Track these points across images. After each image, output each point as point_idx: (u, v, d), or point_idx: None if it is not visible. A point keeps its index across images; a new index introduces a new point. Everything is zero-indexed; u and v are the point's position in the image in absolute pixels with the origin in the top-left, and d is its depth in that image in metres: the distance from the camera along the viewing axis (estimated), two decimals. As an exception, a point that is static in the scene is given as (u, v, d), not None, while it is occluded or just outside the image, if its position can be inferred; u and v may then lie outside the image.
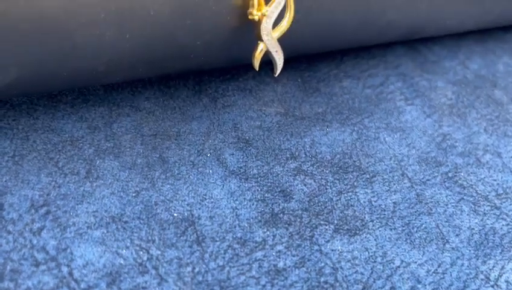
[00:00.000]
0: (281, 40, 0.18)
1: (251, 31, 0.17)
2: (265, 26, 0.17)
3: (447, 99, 0.25)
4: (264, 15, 0.17)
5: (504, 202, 0.20)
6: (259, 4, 0.17)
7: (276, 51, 0.18)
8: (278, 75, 0.23)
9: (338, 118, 0.22)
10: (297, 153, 0.20)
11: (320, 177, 0.19)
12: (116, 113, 0.19)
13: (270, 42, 0.17)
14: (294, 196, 0.18)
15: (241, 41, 0.18)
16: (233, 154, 0.19)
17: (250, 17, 0.17)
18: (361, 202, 0.18)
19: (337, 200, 0.18)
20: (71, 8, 0.14)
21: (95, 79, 0.17)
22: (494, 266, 0.17)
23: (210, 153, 0.19)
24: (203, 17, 0.16)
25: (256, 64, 0.18)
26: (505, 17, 0.28)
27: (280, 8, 0.17)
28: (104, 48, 0.15)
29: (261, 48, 0.18)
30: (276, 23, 0.18)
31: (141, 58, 0.16)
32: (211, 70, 0.22)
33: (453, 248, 0.18)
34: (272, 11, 0.17)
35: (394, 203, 0.19)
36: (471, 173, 0.21)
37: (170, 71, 0.19)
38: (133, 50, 0.16)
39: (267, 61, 0.22)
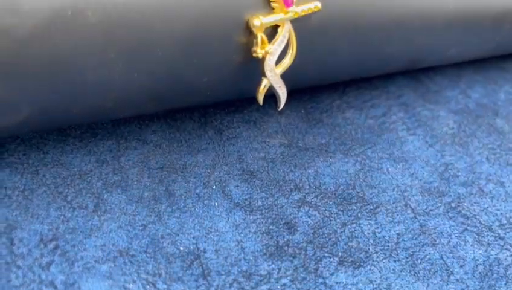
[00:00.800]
0: (284, 74, 0.19)
1: (255, 67, 0.18)
2: (269, 63, 0.17)
3: (449, 129, 0.25)
4: (268, 52, 0.17)
5: (508, 232, 0.20)
6: (262, 42, 0.17)
7: (279, 86, 0.18)
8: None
9: (341, 148, 0.22)
10: (301, 185, 0.20)
11: (324, 208, 0.19)
12: (123, 146, 0.20)
13: (273, 78, 0.18)
14: (298, 228, 0.18)
15: (246, 77, 0.18)
16: (238, 186, 0.19)
17: (254, 54, 0.17)
18: (365, 233, 0.19)
19: (341, 231, 0.19)
20: (82, 49, 0.14)
21: (103, 115, 0.17)
22: (499, 298, 0.17)
23: (215, 186, 0.19)
24: (209, 56, 0.17)
25: (261, 99, 0.19)
26: (505, 46, 0.29)
27: (283, 45, 0.18)
28: (112, 86, 0.16)
29: (264, 84, 0.18)
30: (279, 59, 0.18)
31: (149, 95, 0.17)
32: (216, 103, 0.23)
33: (457, 280, 0.18)
34: (275, 48, 0.17)
35: (398, 234, 0.19)
36: (474, 202, 0.21)
37: (177, 106, 0.19)
38: (140, 88, 0.16)
39: (271, 93, 0.22)
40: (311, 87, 0.26)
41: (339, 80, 0.24)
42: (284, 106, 0.23)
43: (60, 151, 0.19)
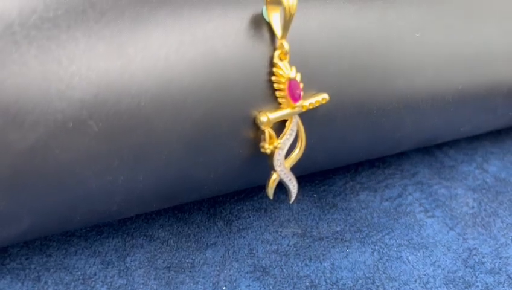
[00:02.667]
0: (294, 166, 0.18)
1: (264, 161, 0.17)
2: (278, 158, 0.17)
3: (469, 208, 0.24)
4: (276, 147, 0.17)
5: (543, 327, 0.18)
6: (270, 137, 0.17)
7: (290, 180, 0.18)
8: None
9: (357, 236, 0.21)
10: (317, 281, 0.19)
11: (342, 307, 0.18)
12: (130, 244, 0.19)
13: (283, 172, 0.17)
14: (316, 332, 0.17)
15: (254, 171, 0.18)
16: (249, 285, 0.18)
17: (262, 150, 0.17)
18: (389, 335, 0.17)
19: (363, 334, 0.17)
20: (84, 159, 0.14)
21: (108, 218, 0.17)
22: None
23: (226, 286, 0.18)
24: (216, 153, 0.16)
25: (271, 193, 0.18)
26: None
27: (292, 139, 0.17)
28: (117, 190, 0.15)
29: (274, 178, 0.17)
30: (288, 152, 0.18)
31: (154, 196, 0.16)
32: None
33: None
34: (284, 143, 0.17)
35: (424, 335, 0.17)
36: (504, 293, 0.20)
37: (184, 202, 0.19)
38: (146, 189, 0.16)
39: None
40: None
41: (350, 162, 0.23)
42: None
43: (63, 253, 0.18)
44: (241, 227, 0.21)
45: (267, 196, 0.18)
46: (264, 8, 0.16)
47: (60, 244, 0.18)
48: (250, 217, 0.21)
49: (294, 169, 0.18)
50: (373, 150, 0.22)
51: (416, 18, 0.20)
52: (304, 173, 0.22)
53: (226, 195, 0.22)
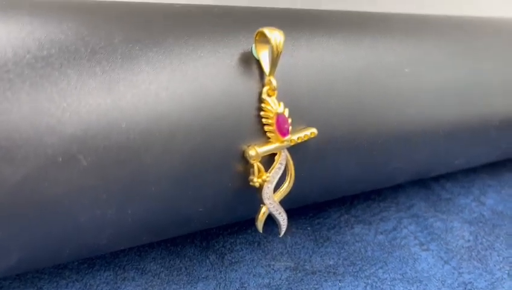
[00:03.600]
0: (284, 199, 0.18)
1: (253, 194, 0.18)
2: (267, 191, 0.17)
3: (465, 241, 0.24)
4: (265, 181, 0.17)
5: None
6: (259, 171, 0.17)
7: (279, 213, 0.18)
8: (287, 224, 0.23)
9: (350, 270, 0.21)
10: (308, 315, 0.19)
11: None
12: (121, 277, 0.19)
13: (272, 205, 0.17)
14: None
15: (243, 204, 0.18)
16: (240, 320, 0.18)
17: (251, 183, 0.17)
18: None
19: None
20: (73, 193, 0.14)
21: (98, 251, 0.17)
22: None
23: (216, 320, 0.18)
24: (205, 187, 0.16)
25: (260, 226, 0.18)
26: (508, 153, 0.28)
27: (280, 172, 0.17)
28: (106, 224, 0.15)
29: (263, 211, 0.18)
30: (278, 185, 0.18)
31: (144, 229, 0.16)
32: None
33: None
34: (273, 176, 0.17)
35: None
36: (499, 329, 0.19)
37: (174, 236, 0.19)
38: (135, 223, 0.16)
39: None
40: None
41: (342, 195, 0.23)
42: (289, 222, 0.22)
43: (55, 286, 0.18)
44: (233, 260, 0.21)
45: (256, 229, 0.18)
46: (253, 45, 0.17)
47: (52, 277, 0.19)
48: (242, 250, 0.21)
49: (287, 202, 0.19)
50: (366, 183, 0.22)
51: (405, 54, 0.21)
52: (297, 206, 0.22)
53: (219, 228, 0.22)
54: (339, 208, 0.25)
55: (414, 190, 0.28)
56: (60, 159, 0.14)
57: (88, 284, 0.18)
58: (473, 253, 0.23)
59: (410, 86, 0.21)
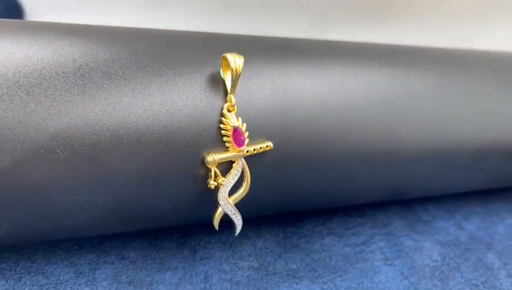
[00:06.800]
0: (242, 204, 0.21)
1: (212, 195, 0.20)
2: (222, 194, 0.20)
3: (431, 261, 0.25)
4: (221, 184, 0.20)
5: None
6: (216, 175, 0.19)
7: (234, 214, 0.20)
8: (262, 230, 0.25)
9: (310, 275, 0.23)
10: (258, 309, 0.21)
11: (274, 335, 0.20)
12: (103, 260, 0.22)
13: (227, 207, 0.20)
14: None
15: (204, 205, 0.20)
16: (195, 306, 0.21)
17: (208, 186, 0.20)
18: None
19: None
20: (52, 179, 0.17)
21: (77, 233, 0.20)
22: None
23: (174, 304, 0.20)
24: (168, 185, 0.19)
25: (216, 224, 0.21)
26: (495, 181, 0.29)
27: (236, 178, 0.20)
28: (80, 209, 0.18)
29: (219, 211, 0.20)
30: (236, 190, 0.20)
31: (115, 218, 0.19)
32: (198, 224, 0.25)
33: None
34: (229, 181, 0.20)
35: None
36: None
37: (145, 227, 0.22)
38: (106, 211, 0.19)
39: (248, 217, 0.24)
40: (297, 212, 0.28)
41: (310, 208, 0.25)
42: (265, 228, 0.25)
43: (45, 262, 0.22)
44: (204, 256, 0.23)
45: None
46: (221, 68, 0.20)
47: (45, 254, 0.22)
48: (215, 248, 0.24)
49: (251, 208, 0.21)
50: (330, 198, 0.24)
51: (372, 81, 0.23)
52: (265, 213, 0.24)
53: (198, 227, 0.25)
54: (315, 219, 0.27)
55: (396, 209, 0.29)
56: (42, 152, 0.17)
57: (73, 262, 0.22)
58: (436, 272, 0.24)
59: (374, 112, 0.23)
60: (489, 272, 0.25)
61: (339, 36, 0.27)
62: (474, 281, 0.24)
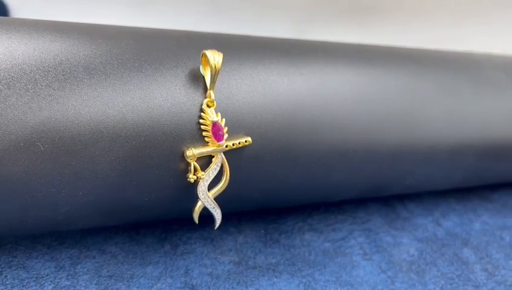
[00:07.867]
0: (222, 198, 0.21)
1: (192, 189, 0.21)
2: (201, 188, 0.20)
3: (409, 256, 0.26)
4: (200, 178, 0.20)
5: None
6: (195, 169, 0.20)
7: (214, 208, 0.21)
8: (244, 226, 0.26)
9: (289, 269, 0.23)
10: (237, 301, 0.21)
11: (253, 326, 0.20)
12: (84, 255, 0.22)
13: (206, 200, 0.20)
14: None
15: (185, 199, 0.21)
16: (175, 298, 0.21)
17: (188, 179, 0.20)
18: None
19: None
20: (32, 171, 0.18)
21: (58, 226, 0.20)
22: None
23: (155, 296, 0.21)
24: (148, 179, 0.20)
25: (196, 217, 0.21)
26: (475, 178, 0.30)
27: (215, 173, 0.20)
28: (61, 202, 0.19)
29: (199, 205, 0.21)
30: (215, 185, 0.21)
31: (96, 211, 0.20)
32: (179, 219, 0.25)
33: None
34: (208, 175, 0.20)
35: None
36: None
37: (126, 221, 0.22)
38: (86, 204, 0.19)
39: (230, 212, 0.24)
40: (279, 209, 0.28)
41: (287, 204, 0.26)
42: (246, 224, 0.25)
43: (27, 256, 0.22)
44: (185, 251, 0.24)
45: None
46: (201, 65, 0.20)
47: (26, 249, 0.22)
48: (196, 243, 0.24)
49: (231, 203, 0.22)
50: (308, 194, 0.25)
51: (350, 79, 0.23)
52: (244, 208, 0.24)
53: (180, 223, 0.25)
54: (296, 216, 0.28)
55: (375, 207, 0.30)
56: (22, 145, 0.17)
57: (55, 257, 0.22)
58: (413, 266, 0.25)
59: (351, 110, 0.23)
60: (464, 266, 0.25)
61: (319, 38, 0.27)
62: (450, 275, 0.24)
